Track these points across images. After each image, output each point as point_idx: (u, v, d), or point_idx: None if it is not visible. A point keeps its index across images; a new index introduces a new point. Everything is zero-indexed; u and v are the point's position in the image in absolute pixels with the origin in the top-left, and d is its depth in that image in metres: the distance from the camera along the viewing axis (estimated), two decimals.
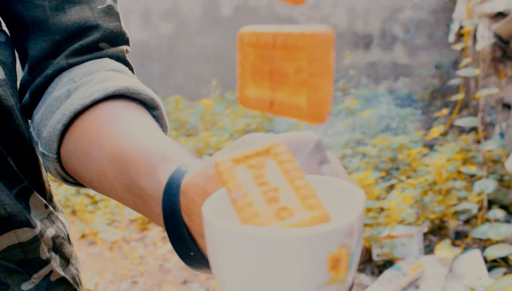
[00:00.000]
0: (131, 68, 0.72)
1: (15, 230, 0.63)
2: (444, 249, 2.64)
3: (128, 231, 3.58)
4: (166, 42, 6.94)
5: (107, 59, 0.67)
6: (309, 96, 0.34)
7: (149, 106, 0.66)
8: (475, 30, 4.24)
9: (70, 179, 0.67)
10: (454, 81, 4.42)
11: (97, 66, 0.65)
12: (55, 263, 0.71)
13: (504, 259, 2.57)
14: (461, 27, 4.56)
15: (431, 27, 6.66)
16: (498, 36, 3.74)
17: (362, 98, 5.52)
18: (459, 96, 4.23)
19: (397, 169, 3.69)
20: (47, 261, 0.69)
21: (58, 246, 0.72)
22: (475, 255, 2.61)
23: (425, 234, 2.98)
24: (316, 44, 0.33)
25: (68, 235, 0.76)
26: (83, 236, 3.53)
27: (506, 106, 3.98)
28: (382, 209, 3.03)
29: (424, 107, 5.96)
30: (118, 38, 0.70)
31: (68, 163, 0.63)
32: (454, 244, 2.84)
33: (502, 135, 4.06)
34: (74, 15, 0.66)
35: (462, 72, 3.66)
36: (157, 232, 3.56)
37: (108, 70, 0.64)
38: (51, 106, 0.64)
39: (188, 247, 0.47)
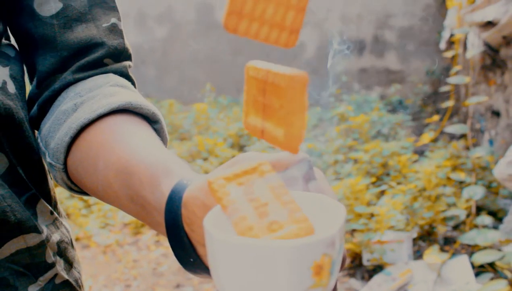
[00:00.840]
0: (133, 83, 0.76)
1: (24, 235, 0.67)
2: (432, 254, 2.69)
3: (122, 235, 3.61)
4: (160, 46, 6.97)
5: (111, 75, 0.72)
6: (285, 131, 0.39)
7: (151, 120, 0.70)
8: (466, 38, 4.31)
9: (75, 187, 0.71)
10: (444, 88, 4.49)
11: (102, 82, 0.69)
12: (60, 266, 0.75)
13: (491, 265, 2.62)
14: (452, 35, 4.63)
15: (423, 34, 6.73)
16: (487, 45, 3.80)
17: (354, 104, 5.58)
18: (450, 103, 4.30)
19: (388, 174, 3.75)
20: (52, 265, 0.73)
21: (63, 251, 0.76)
22: (462, 260, 2.66)
23: (414, 240, 3.03)
24: (292, 86, 0.37)
25: (71, 239, 0.80)
26: (76, 240, 3.56)
27: (495, 113, 4.04)
28: (372, 215, 3.08)
29: (415, 114, 6.03)
30: (122, 54, 0.74)
31: (74, 173, 0.67)
32: (442, 250, 2.90)
33: (491, 142, 4.12)
34: (81, 33, 0.70)
35: (452, 79, 3.72)
36: (150, 236, 3.59)
37: (112, 85, 0.69)
38: (58, 119, 0.68)
39: (188, 254, 0.51)
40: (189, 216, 0.48)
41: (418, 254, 2.93)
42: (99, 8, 0.72)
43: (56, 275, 0.73)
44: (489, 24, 3.56)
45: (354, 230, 3.00)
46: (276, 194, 0.40)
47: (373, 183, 3.62)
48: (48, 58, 0.70)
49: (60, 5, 0.69)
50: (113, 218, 3.78)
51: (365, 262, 2.86)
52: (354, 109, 5.25)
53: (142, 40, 6.93)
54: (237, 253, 0.38)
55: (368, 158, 3.73)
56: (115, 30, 0.73)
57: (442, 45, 5.12)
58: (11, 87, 0.67)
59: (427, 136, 4.28)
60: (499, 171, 3.00)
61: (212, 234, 0.39)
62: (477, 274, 2.60)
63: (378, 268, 2.83)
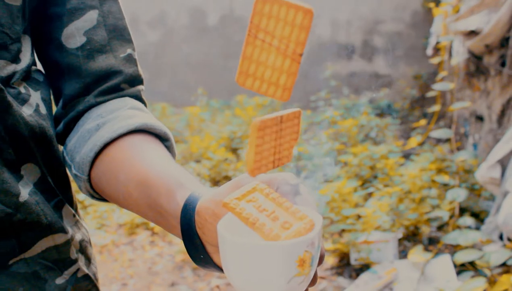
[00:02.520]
0: (145, 104, 0.88)
1: (53, 235, 0.79)
2: (416, 253, 2.82)
3: (117, 235, 3.71)
4: (153, 49, 7.07)
5: (127, 98, 0.83)
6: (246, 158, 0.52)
7: (162, 139, 0.82)
8: (451, 45, 4.45)
9: (97, 195, 0.83)
10: (431, 93, 4.63)
11: (120, 105, 0.81)
12: (81, 262, 0.86)
13: (472, 264, 2.75)
14: (438, 42, 4.77)
15: (411, 40, 6.88)
16: (471, 52, 3.95)
17: (344, 108, 5.71)
18: (436, 108, 4.44)
19: (376, 177, 3.88)
20: (75, 261, 0.84)
21: (83, 248, 0.88)
22: (445, 259, 2.79)
23: (400, 240, 3.16)
24: (252, 129, 0.49)
25: (89, 239, 0.92)
26: None
27: (479, 118, 4.19)
28: (359, 216, 3.21)
29: (403, 117, 6.17)
30: (136, 80, 0.86)
31: (97, 183, 0.79)
32: (426, 249, 3.03)
33: (475, 146, 4.26)
34: (102, 62, 0.81)
35: (437, 86, 3.86)
36: (145, 236, 3.70)
37: (129, 108, 0.81)
38: (83, 137, 0.79)
39: (199, 252, 0.63)
40: (201, 222, 0.60)
41: (403, 254, 3.06)
42: (116, 41, 0.83)
43: (78, 269, 0.85)
44: (473, 33, 3.70)
45: (342, 231, 3.13)
46: (278, 203, 0.52)
47: (361, 185, 3.75)
48: (73, 83, 0.81)
49: (84, 39, 0.81)
50: (109, 219, 3.88)
51: (352, 261, 2.98)
52: (343, 113, 5.38)
53: (135, 44, 7.02)
54: (243, 250, 0.50)
55: (356, 161, 3.86)
56: (130, 59, 0.84)
57: (429, 51, 5.26)
58: (43, 109, 0.79)
59: (414, 140, 4.42)
60: (481, 174, 3.13)
61: (225, 236, 0.51)
62: (459, 273, 2.73)
63: (365, 267, 2.95)
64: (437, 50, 4.98)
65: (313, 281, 0.56)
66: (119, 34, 0.84)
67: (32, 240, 0.76)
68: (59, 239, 0.80)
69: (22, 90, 0.75)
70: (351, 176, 3.77)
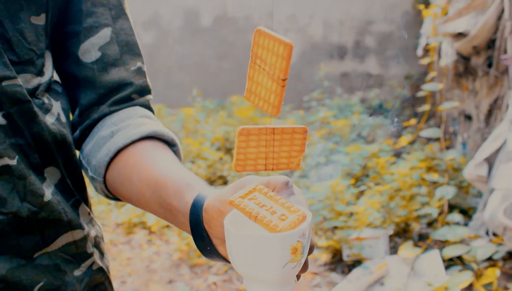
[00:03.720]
0: (152, 111, 0.97)
1: (72, 231, 0.88)
2: (406, 249, 2.92)
3: (115, 234, 3.80)
4: (147, 51, 7.13)
5: (138, 107, 0.92)
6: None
7: (170, 144, 0.91)
8: (440, 46, 4.56)
9: (111, 195, 0.91)
10: (421, 93, 4.74)
11: (131, 113, 0.90)
12: (96, 256, 0.95)
13: (460, 258, 2.86)
14: (428, 43, 4.88)
15: (402, 40, 6.98)
16: (459, 54, 4.05)
17: (336, 108, 5.80)
18: (426, 107, 4.54)
19: (367, 176, 3.98)
20: (91, 255, 0.93)
21: (97, 243, 0.96)
22: (434, 255, 2.90)
23: (390, 236, 3.26)
24: (235, 134, 0.59)
25: (102, 235, 1.00)
26: None
27: (468, 117, 4.30)
28: (351, 214, 3.31)
29: (394, 117, 6.28)
30: (145, 90, 0.95)
31: (112, 185, 0.88)
32: (416, 245, 3.13)
33: (464, 145, 4.37)
34: (114, 75, 0.90)
35: (427, 86, 3.96)
36: (143, 236, 3.78)
37: (140, 116, 0.90)
38: (98, 143, 0.88)
39: (206, 244, 0.72)
40: (209, 218, 0.69)
41: (394, 250, 3.16)
42: (128, 55, 0.92)
43: (93, 262, 0.93)
44: (461, 35, 3.81)
45: (335, 228, 3.23)
46: (275, 200, 0.62)
47: (353, 184, 3.85)
48: (89, 94, 0.90)
49: (98, 54, 0.89)
50: (107, 219, 3.96)
51: (345, 258, 3.08)
52: (336, 113, 5.48)
53: None
54: (245, 241, 0.59)
55: (348, 160, 3.96)
56: (140, 72, 0.93)
57: (419, 52, 5.36)
58: (63, 117, 0.88)
59: (404, 139, 4.53)
60: (469, 172, 3.24)
61: (230, 229, 0.61)
62: (447, 267, 2.83)
63: (357, 263, 3.05)
64: (427, 51, 5.09)
65: (304, 268, 0.65)
66: (130, 49, 0.93)
67: (53, 235, 0.85)
68: (77, 235, 0.89)
69: (46, 100, 0.84)
70: (343, 175, 3.87)
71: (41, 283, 0.83)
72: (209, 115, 6.12)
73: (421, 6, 4.96)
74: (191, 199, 0.72)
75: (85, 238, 0.90)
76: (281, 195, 0.65)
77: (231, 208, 0.64)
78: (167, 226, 3.82)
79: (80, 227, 0.89)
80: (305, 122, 5.72)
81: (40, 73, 0.83)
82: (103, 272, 0.97)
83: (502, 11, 3.31)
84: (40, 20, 0.82)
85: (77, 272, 0.90)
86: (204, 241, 0.71)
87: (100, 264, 0.95)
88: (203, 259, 3.36)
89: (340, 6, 7.03)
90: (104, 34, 0.90)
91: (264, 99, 0.58)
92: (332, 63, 7.04)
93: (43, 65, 0.84)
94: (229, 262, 0.69)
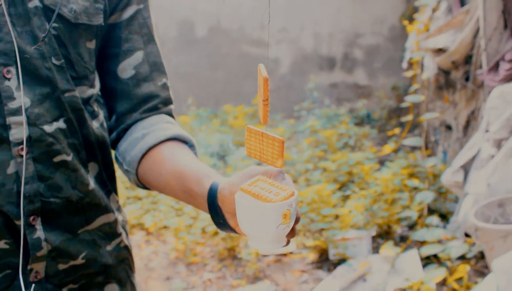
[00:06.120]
0: (174, 118, 1.20)
1: (107, 214, 1.10)
2: (387, 248, 3.16)
3: None
4: None
5: (163, 115, 1.15)
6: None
7: (189, 144, 1.14)
8: (423, 60, 4.83)
9: (141, 185, 1.14)
10: (405, 104, 5.00)
11: (158, 120, 1.13)
12: (123, 236, 1.17)
13: (437, 257, 3.10)
14: (411, 57, 5.15)
15: (389, 52, 7.26)
16: (440, 68, 4.32)
17: (325, 117, 6.05)
18: (409, 117, 4.80)
19: (353, 181, 4.22)
20: (120, 234, 1.15)
21: (124, 226, 1.19)
22: (413, 254, 3.14)
23: (373, 237, 3.50)
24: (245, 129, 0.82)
25: (127, 220, 1.23)
26: None
27: (448, 127, 4.56)
28: (337, 216, 3.55)
29: (380, 126, 6.54)
30: (168, 101, 1.18)
31: (143, 176, 1.10)
32: (397, 245, 3.37)
33: (444, 153, 4.63)
34: (145, 89, 1.14)
35: (409, 98, 4.22)
36: (141, 236, 4.00)
37: (165, 122, 1.13)
38: (132, 143, 1.11)
39: (220, 218, 0.95)
40: (222, 198, 0.92)
41: (376, 250, 3.40)
42: (156, 72, 1.16)
43: (121, 241, 1.16)
44: (441, 50, 4.07)
45: (321, 229, 3.46)
46: (271, 184, 0.85)
47: (339, 189, 4.10)
48: (124, 104, 1.13)
49: (133, 72, 1.13)
50: None
51: (331, 257, 3.31)
52: (324, 122, 5.74)
53: None
54: (250, 208, 0.82)
55: (335, 167, 4.20)
56: (165, 86, 1.17)
57: (404, 64, 5.64)
58: (105, 123, 1.11)
59: (388, 147, 4.78)
60: (446, 178, 3.49)
61: (240, 200, 0.83)
62: (425, 265, 3.07)
63: (342, 261, 3.29)
64: (411, 64, 5.36)
65: (292, 233, 0.88)
66: (157, 68, 1.16)
67: (93, 217, 1.08)
68: (110, 217, 1.11)
69: (95, 108, 1.08)
70: (330, 180, 4.11)
71: (84, 253, 1.05)
72: (202, 123, 6.35)
73: (406, 22, 5.23)
74: (208, 185, 0.95)
75: (116, 221, 1.13)
76: (276, 179, 0.88)
77: (238, 189, 0.87)
78: (164, 227, 4.04)
79: (112, 211, 1.12)
80: (294, 131, 5.96)
81: (92, 85, 1.06)
82: (127, 250, 1.19)
83: (478, 30, 3.58)
84: (92, 44, 1.05)
85: (109, 247, 1.12)
86: (218, 216, 0.94)
87: (126, 242, 1.18)
88: (199, 258, 3.58)
89: (330, 19, 7.29)
90: (138, 56, 1.13)
91: (260, 112, 0.82)
92: (322, 74, 7.30)
93: (94, 79, 1.07)
94: (237, 232, 0.93)
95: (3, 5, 0.92)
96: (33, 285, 0.98)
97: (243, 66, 7.23)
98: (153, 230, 4.04)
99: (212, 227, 3.74)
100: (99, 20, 1.05)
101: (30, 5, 0.95)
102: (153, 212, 4.22)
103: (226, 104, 6.78)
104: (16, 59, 0.92)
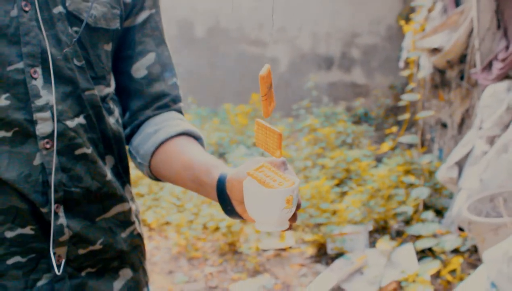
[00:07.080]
0: (183, 115, 1.29)
1: (122, 203, 1.19)
2: (384, 242, 3.26)
3: None
4: None
5: (173, 112, 1.24)
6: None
7: (197, 138, 1.23)
8: (419, 59, 4.92)
9: (153, 177, 1.23)
10: (402, 103, 5.10)
11: (169, 116, 1.22)
12: (136, 224, 1.26)
13: (431, 251, 3.20)
14: (408, 56, 5.24)
15: (386, 52, 7.35)
16: (435, 67, 4.42)
17: (323, 116, 6.15)
18: (406, 116, 4.90)
19: (350, 178, 4.32)
20: (133, 223, 1.24)
21: (137, 215, 1.28)
22: (408, 247, 3.23)
23: (370, 232, 3.60)
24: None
25: (139, 210, 1.32)
26: None
27: (444, 125, 4.66)
28: (335, 211, 3.64)
29: (378, 124, 6.64)
30: (177, 99, 1.27)
31: (156, 168, 1.19)
32: (393, 239, 3.47)
33: (440, 150, 4.73)
34: (157, 87, 1.23)
35: (406, 96, 4.32)
36: (143, 232, 4.09)
37: (176, 119, 1.22)
38: (144, 138, 1.20)
39: (228, 205, 1.03)
40: (230, 186, 1.01)
41: (373, 244, 3.50)
42: (166, 72, 1.25)
43: (134, 229, 1.25)
44: (436, 50, 4.17)
45: (320, 224, 3.56)
46: (275, 172, 0.94)
47: (337, 185, 4.19)
48: (137, 102, 1.22)
49: (146, 72, 1.22)
50: None
51: (329, 251, 3.41)
52: (323, 121, 5.83)
53: None
54: (257, 193, 0.90)
55: (333, 164, 4.30)
56: (175, 86, 1.26)
57: (401, 64, 5.73)
58: (120, 119, 1.20)
59: (386, 145, 4.88)
60: (441, 175, 3.59)
61: (248, 186, 0.92)
62: (420, 259, 3.17)
63: (339, 255, 3.38)
64: (407, 63, 5.45)
65: (294, 218, 0.98)
66: (168, 69, 1.25)
67: (110, 206, 1.17)
68: (125, 206, 1.20)
69: (111, 105, 1.17)
70: (328, 177, 4.21)
71: (101, 239, 1.14)
72: (203, 122, 6.44)
73: (403, 22, 5.33)
74: (217, 175, 1.04)
75: (130, 210, 1.22)
76: (279, 169, 0.97)
77: (245, 179, 0.96)
78: (166, 223, 4.13)
79: (127, 201, 1.21)
80: (293, 129, 6.05)
81: (108, 85, 1.15)
82: (140, 237, 1.28)
83: (472, 30, 3.67)
84: (109, 47, 1.14)
85: (123, 234, 1.21)
86: (227, 203, 1.03)
87: (139, 230, 1.27)
88: (200, 252, 3.68)
89: (328, 19, 7.38)
90: (150, 57, 1.23)
91: (263, 108, 0.92)
92: (320, 73, 7.39)
93: (110, 79, 1.16)
94: (244, 218, 1.02)
95: (37, 10, 1.01)
96: (63, 261, 1.07)
97: (242, 65, 7.32)
98: (155, 226, 4.13)
99: (213, 223, 3.84)
100: (116, 24, 1.14)
101: (55, 11, 1.04)
102: (155, 208, 4.31)
103: (225, 103, 6.87)
104: (43, 60, 1.02)
